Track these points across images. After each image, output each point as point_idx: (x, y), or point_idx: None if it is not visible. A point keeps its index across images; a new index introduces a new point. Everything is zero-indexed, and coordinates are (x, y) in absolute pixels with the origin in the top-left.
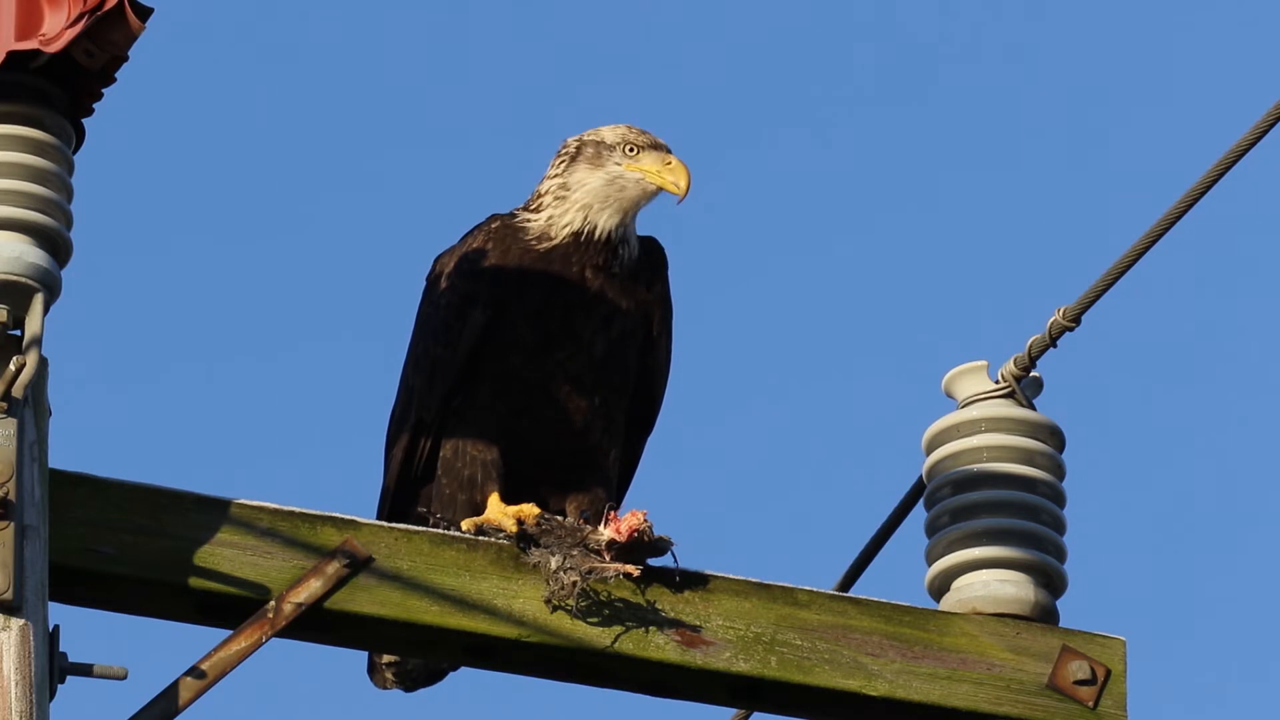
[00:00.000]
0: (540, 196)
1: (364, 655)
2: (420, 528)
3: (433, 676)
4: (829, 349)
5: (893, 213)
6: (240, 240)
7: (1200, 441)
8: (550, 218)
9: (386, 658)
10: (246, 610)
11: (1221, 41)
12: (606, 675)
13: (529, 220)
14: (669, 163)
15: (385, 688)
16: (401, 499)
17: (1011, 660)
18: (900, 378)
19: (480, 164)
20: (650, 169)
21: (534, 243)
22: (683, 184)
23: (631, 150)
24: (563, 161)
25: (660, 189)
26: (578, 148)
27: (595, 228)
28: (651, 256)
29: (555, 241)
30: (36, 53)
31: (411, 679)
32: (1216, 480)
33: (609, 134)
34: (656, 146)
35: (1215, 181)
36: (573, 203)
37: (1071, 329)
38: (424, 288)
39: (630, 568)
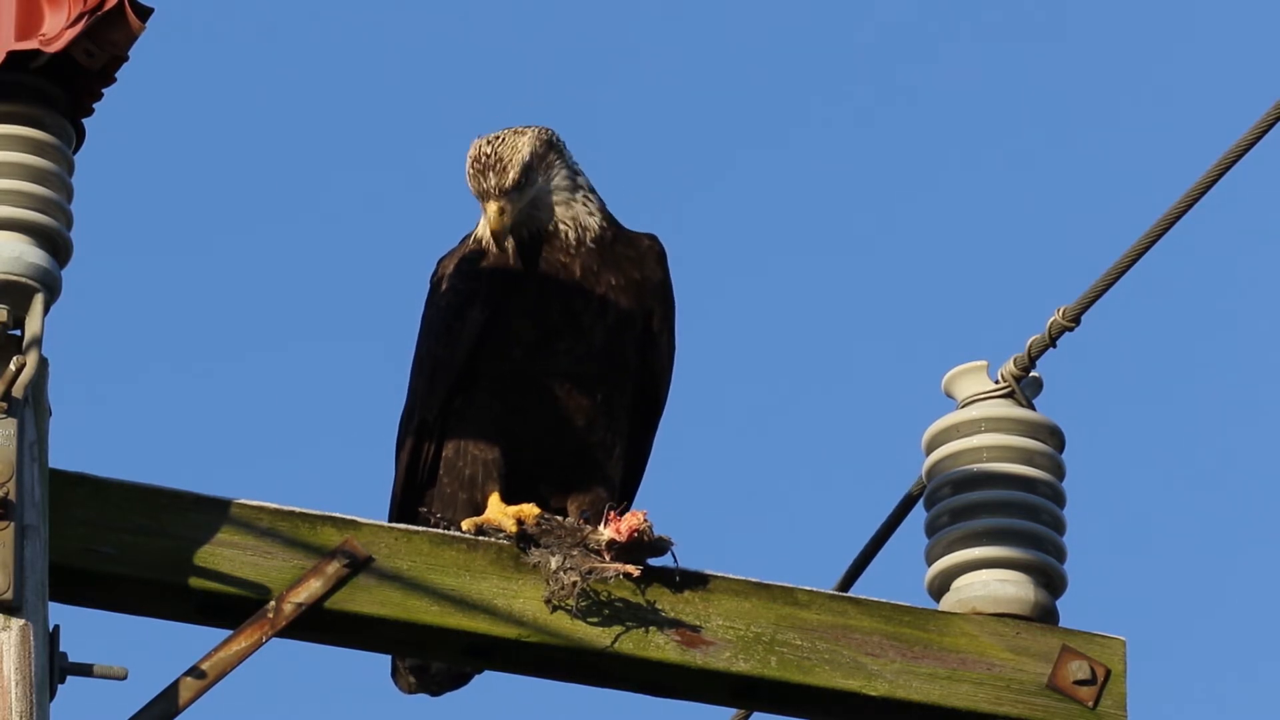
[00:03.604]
0: None
1: (362, 655)
2: (420, 528)
3: (458, 680)
4: (829, 349)
5: (892, 213)
6: (240, 240)
7: (1200, 441)
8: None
9: (409, 660)
10: (246, 610)
11: (1221, 41)
12: (606, 675)
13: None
14: (486, 209)
15: (410, 692)
16: (409, 502)
17: (1011, 660)
18: (900, 378)
19: None
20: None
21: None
22: (486, 236)
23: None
24: None
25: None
26: None
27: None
28: (645, 247)
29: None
30: (36, 53)
31: (436, 683)
32: (1216, 480)
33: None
34: (482, 194)
35: (1215, 181)
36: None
37: (1071, 329)
38: (428, 290)
39: (630, 568)
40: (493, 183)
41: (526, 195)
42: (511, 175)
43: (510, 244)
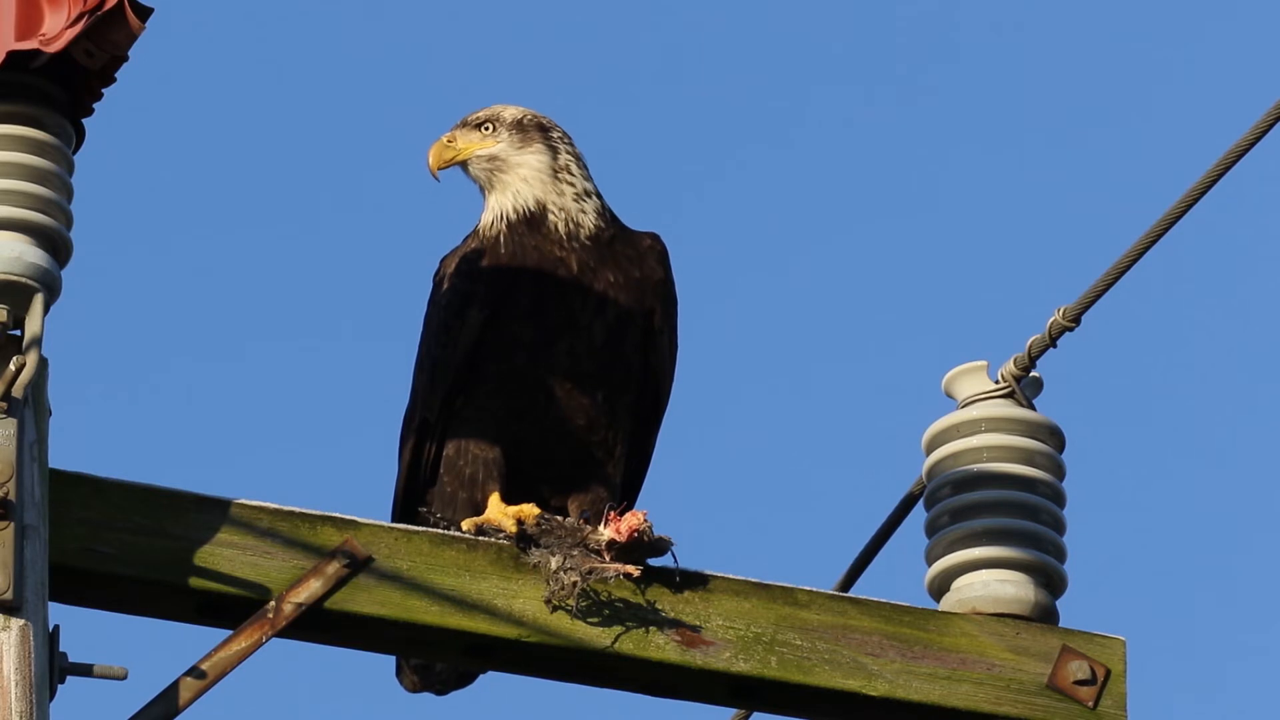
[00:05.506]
0: None
1: (362, 655)
2: (420, 528)
3: (463, 679)
4: (829, 349)
5: (892, 212)
6: (240, 240)
7: (1200, 441)
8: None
9: (414, 659)
10: (246, 610)
11: (1221, 41)
12: (606, 675)
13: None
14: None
15: (414, 691)
16: (412, 502)
17: (1011, 660)
18: (900, 378)
19: None
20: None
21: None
22: (485, 224)
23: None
24: None
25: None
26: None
27: (507, 209)
28: (646, 246)
29: (498, 230)
30: (36, 53)
31: (441, 681)
32: (1216, 480)
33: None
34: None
35: (1215, 181)
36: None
37: (1071, 329)
38: (431, 289)
39: (630, 568)
40: (459, 121)
41: (486, 145)
42: (479, 114)
43: (435, 170)
